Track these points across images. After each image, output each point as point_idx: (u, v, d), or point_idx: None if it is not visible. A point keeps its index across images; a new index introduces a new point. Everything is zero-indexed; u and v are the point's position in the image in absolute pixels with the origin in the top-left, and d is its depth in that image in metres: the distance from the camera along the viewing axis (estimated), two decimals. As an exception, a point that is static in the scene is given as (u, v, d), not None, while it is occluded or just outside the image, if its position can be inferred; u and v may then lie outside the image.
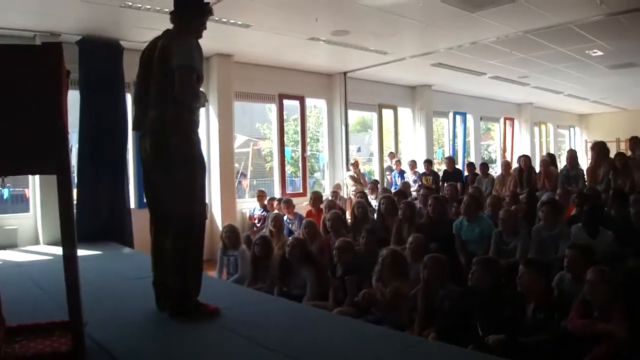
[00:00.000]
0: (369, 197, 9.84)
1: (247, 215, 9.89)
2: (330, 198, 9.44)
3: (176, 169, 3.53)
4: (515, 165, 10.76)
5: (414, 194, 10.31)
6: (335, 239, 6.04)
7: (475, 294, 4.30)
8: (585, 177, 8.99)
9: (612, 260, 4.92)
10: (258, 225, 9.20)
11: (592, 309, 3.75)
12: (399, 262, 4.91)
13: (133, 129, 3.89)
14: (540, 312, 3.90)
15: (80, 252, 2.81)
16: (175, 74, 3.42)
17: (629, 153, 9.68)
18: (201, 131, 3.80)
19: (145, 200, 3.89)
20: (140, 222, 7.43)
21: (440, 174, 12.42)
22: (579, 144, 21.39)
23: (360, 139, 25.40)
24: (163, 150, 3.53)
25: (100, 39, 7.83)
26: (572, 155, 9.32)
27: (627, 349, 3.52)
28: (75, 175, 7.76)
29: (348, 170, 11.90)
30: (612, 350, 3.47)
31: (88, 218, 7.61)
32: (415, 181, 12.07)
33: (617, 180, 8.07)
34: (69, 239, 2.65)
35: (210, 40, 4.25)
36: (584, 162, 11.79)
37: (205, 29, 3.81)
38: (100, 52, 7.85)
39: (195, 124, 3.67)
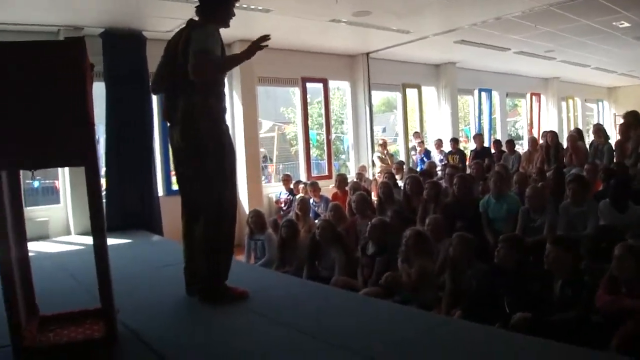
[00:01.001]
0: (395, 177, 9.82)
1: (274, 199, 9.95)
2: (355, 180, 9.44)
3: (206, 156, 3.58)
4: (541, 141, 10.64)
5: (439, 173, 10.26)
6: (361, 221, 6.06)
7: (501, 271, 4.30)
8: (614, 151, 8.85)
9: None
10: (284, 209, 9.26)
11: (620, 285, 3.73)
12: (422, 241, 4.93)
13: (163, 119, 3.94)
14: (569, 289, 3.88)
15: (111, 241, 2.87)
16: (190, 64, 3.46)
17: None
18: (227, 117, 3.84)
19: (175, 188, 3.95)
20: (169, 209, 7.56)
21: (467, 152, 12.36)
22: (607, 118, 21.01)
23: (386, 119, 25.28)
24: (193, 138, 3.58)
25: (122, 31, 7.90)
26: (599, 129, 9.18)
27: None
28: (103, 165, 7.87)
29: (375, 151, 11.87)
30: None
31: (117, 207, 7.74)
32: (441, 160, 12.00)
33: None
34: (98, 229, 2.72)
35: (232, 26, 4.26)
36: (613, 135, 11.59)
37: (234, 15, 3.84)
38: (124, 44, 7.92)
39: (223, 111, 3.72)
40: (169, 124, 3.80)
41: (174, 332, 3.27)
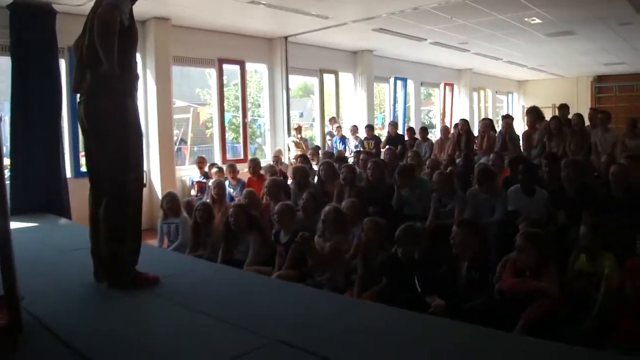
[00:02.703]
0: (311, 162, 9.86)
1: (187, 182, 9.79)
2: (271, 164, 9.42)
3: (108, 135, 3.45)
4: (453, 130, 10.99)
5: (351, 159, 10.39)
6: (274, 206, 6.06)
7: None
8: (521, 141, 9.30)
9: (547, 219, 5.16)
10: (197, 193, 9.11)
11: (524, 268, 3.91)
12: (340, 219, 5.00)
13: (73, 91, 3.74)
14: (475, 271, 4.04)
15: (15, 225, 2.74)
16: (98, 13, 3.29)
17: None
18: (138, 97, 3.71)
19: (84, 170, 3.80)
20: (77, 192, 7.26)
21: (382, 139, 12.59)
22: (516, 110, 21.90)
23: (303, 104, 25.34)
24: (95, 115, 3.45)
25: (31, 3, 7.47)
26: (508, 123, 9.61)
27: (558, 305, 3.70)
28: (7, 144, 7.48)
29: (290, 135, 11.88)
30: (545, 307, 3.63)
31: (22, 189, 7.38)
32: (356, 146, 12.17)
33: (551, 143, 8.36)
34: (0, 211, 2.58)
35: (147, 2, 4.11)
36: (521, 127, 12.10)
37: None
38: (32, 16, 7.50)
39: (131, 86, 3.58)
40: (77, 101, 3.64)
41: (81, 319, 3.16)
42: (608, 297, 3.68)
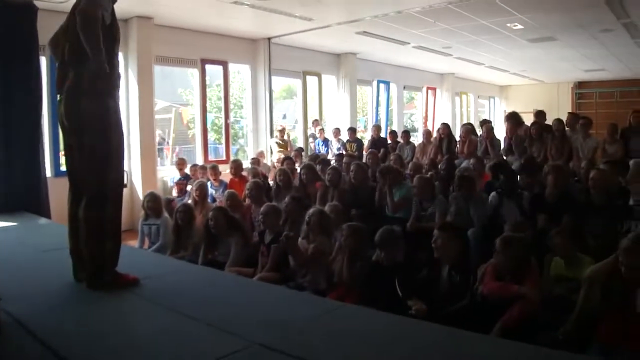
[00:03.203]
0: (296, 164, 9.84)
1: (168, 183, 9.74)
2: (251, 165, 9.41)
3: (89, 134, 3.42)
4: (435, 134, 11.04)
5: (333, 162, 10.39)
6: (255, 208, 6.04)
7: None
8: (502, 145, 9.37)
9: (525, 223, 5.22)
10: (178, 195, 9.06)
11: (504, 273, 3.94)
12: (324, 221, 5.01)
13: (56, 92, 3.70)
14: (456, 275, 4.06)
15: (-9, 224, 2.70)
16: (78, 9, 3.27)
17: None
18: (120, 96, 3.68)
19: (64, 169, 3.76)
20: (57, 191, 7.17)
21: (365, 142, 12.61)
22: (498, 114, 22.09)
23: (286, 106, 25.29)
24: (75, 114, 3.42)
25: (12, -1, 7.39)
26: (489, 128, 9.68)
27: (537, 307, 3.73)
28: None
29: (273, 137, 11.87)
30: (524, 311, 3.66)
31: (1, 188, 7.28)
32: (339, 149, 12.19)
33: (532, 148, 8.43)
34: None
35: (130, 1, 4.07)
36: (502, 131, 12.19)
37: None
38: (12, 13, 7.40)
39: (112, 86, 3.55)
40: (58, 99, 3.61)
41: (60, 319, 3.11)
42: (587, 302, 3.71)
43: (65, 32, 3.51)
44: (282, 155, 10.84)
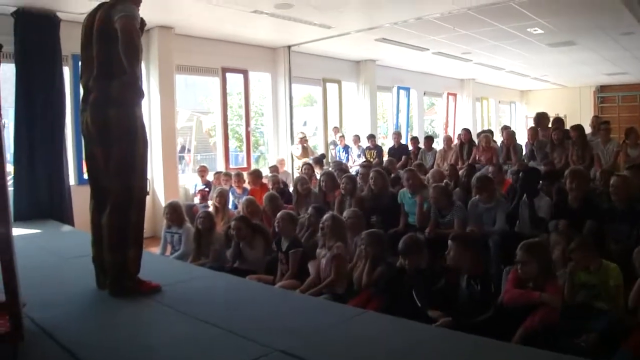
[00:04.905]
0: (315, 170, 9.86)
1: (190, 191, 9.81)
2: (270, 174, 9.44)
3: (117, 143, 3.48)
4: (456, 140, 11.01)
5: (356, 168, 10.38)
6: (273, 218, 6.07)
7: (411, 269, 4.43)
8: (524, 151, 9.33)
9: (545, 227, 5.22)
10: (200, 202, 9.11)
11: (526, 279, 3.91)
12: (338, 226, 5.00)
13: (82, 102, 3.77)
14: (475, 283, 4.04)
15: (18, 231, 2.75)
16: (118, 24, 3.37)
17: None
18: (143, 105, 3.74)
19: (85, 176, 3.82)
20: (81, 199, 7.25)
21: (385, 148, 12.59)
22: (520, 119, 21.93)
23: (308, 113, 25.34)
24: (103, 123, 3.48)
25: (36, 10, 7.52)
26: (510, 134, 9.63)
27: (558, 315, 3.70)
28: (10, 151, 7.51)
29: (293, 144, 11.90)
30: (546, 317, 3.64)
31: (26, 196, 7.41)
32: (359, 155, 12.18)
33: (554, 154, 8.35)
34: (2, 217, 2.58)
35: (151, 11, 4.14)
36: (524, 136, 12.10)
37: None
38: (36, 24, 7.55)
39: (138, 95, 3.61)
40: (81, 109, 3.67)
41: (83, 327, 3.16)
42: (615, 309, 3.68)
43: (87, 46, 3.58)
44: (304, 162, 10.86)
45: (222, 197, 7.26)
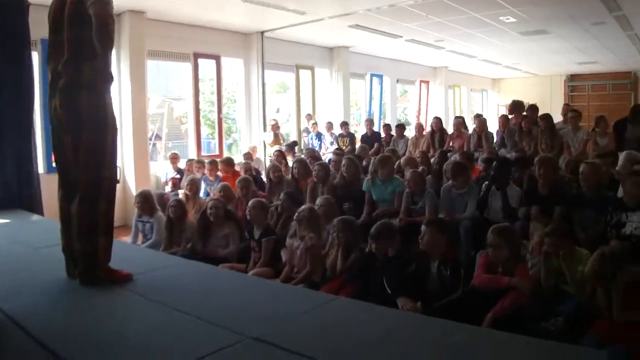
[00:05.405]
0: (287, 158, 9.84)
1: (162, 179, 9.74)
2: (244, 161, 9.40)
3: (86, 129, 3.42)
4: (428, 127, 11.08)
5: (329, 156, 10.38)
6: (246, 204, 6.07)
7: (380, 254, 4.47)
8: (495, 139, 9.44)
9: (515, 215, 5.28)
10: (172, 190, 9.06)
11: (497, 265, 3.97)
12: (315, 218, 5.03)
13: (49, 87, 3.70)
14: (446, 269, 4.08)
15: (-17, 221, 2.69)
16: (93, 9, 3.28)
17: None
18: (112, 91, 3.68)
19: (54, 164, 3.75)
20: (50, 188, 7.14)
21: (358, 136, 12.62)
22: (491, 107, 22.15)
23: (281, 100, 25.26)
24: (73, 109, 3.41)
25: (4, -6, 7.35)
26: (482, 121, 9.72)
27: (527, 300, 3.76)
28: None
29: (266, 131, 11.87)
30: (516, 301, 3.71)
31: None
32: (332, 143, 12.20)
33: (523, 142, 8.46)
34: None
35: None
36: (495, 124, 12.24)
37: None
38: (4, 7, 7.37)
39: (107, 81, 3.56)
40: (49, 94, 3.60)
41: (53, 316, 3.11)
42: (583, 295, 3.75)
43: (56, 30, 3.51)
44: (275, 149, 10.84)
45: (194, 185, 7.22)
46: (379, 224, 4.62)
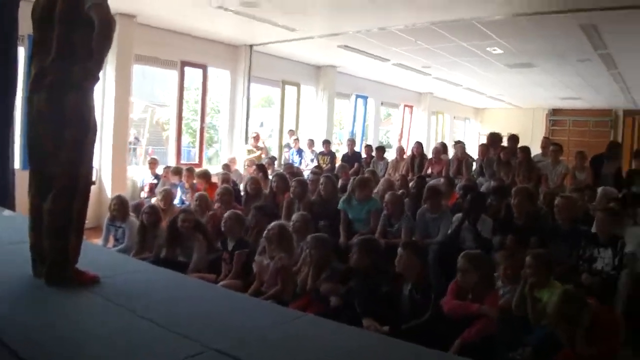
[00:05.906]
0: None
1: (138, 184, 9.66)
2: (223, 171, 9.37)
3: (69, 128, 3.39)
4: (409, 152, 11.16)
5: (307, 172, 10.37)
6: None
7: (355, 272, 4.45)
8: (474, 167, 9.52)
9: (489, 246, 5.28)
10: (147, 195, 8.98)
11: (467, 291, 3.98)
12: (285, 236, 5.01)
13: (30, 85, 3.66)
14: (417, 293, 4.09)
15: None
16: (95, 12, 3.26)
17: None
18: (95, 92, 3.66)
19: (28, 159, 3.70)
20: (24, 184, 7.05)
21: (339, 155, 12.65)
22: (472, 136, 22.35)
23: (265, 114, 25.28)
24: (60, 107, 3.38)
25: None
26: (463, 148, 9.80)
27: (495, 328, 3.77)
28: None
29: (247, 143, 11.86)
30: (484, 328, 3.72)
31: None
32: (312, 160, 12.21)
33: (501, 173, 8.54)
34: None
35: (113, -1, 4.05)
36: (475, 152, 12.33)
37: None
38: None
39: (94, 82, 3.54)
40: (30, 90, 3.56)
41: (16, 314, 3.05)
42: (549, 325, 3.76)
43: (43, 27, 3.48)
44: (254, 162, 10.80)
45: (168, 196, 7.20)
46: (366, 236, 4.62)
